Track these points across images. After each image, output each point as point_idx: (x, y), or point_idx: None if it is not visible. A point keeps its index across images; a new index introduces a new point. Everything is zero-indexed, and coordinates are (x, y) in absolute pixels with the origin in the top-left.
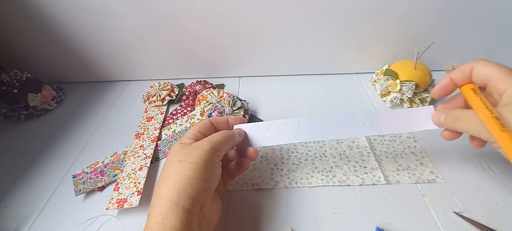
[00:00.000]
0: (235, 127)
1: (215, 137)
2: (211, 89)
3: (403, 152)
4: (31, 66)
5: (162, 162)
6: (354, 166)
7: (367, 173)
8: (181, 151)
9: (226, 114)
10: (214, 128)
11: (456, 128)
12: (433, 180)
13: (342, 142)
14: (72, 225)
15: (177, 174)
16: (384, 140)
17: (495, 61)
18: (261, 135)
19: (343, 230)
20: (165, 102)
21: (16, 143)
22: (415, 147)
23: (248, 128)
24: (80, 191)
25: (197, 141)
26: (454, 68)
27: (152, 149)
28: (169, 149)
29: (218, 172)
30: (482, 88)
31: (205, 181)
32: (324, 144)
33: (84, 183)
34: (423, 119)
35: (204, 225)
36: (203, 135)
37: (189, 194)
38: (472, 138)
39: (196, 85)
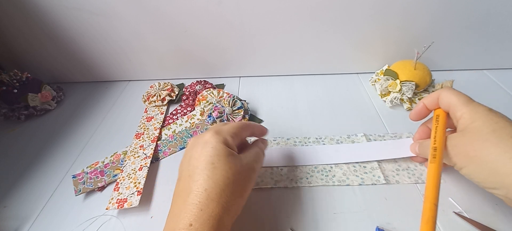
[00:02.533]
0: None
1: (259, 158)
2: (211, 89)
3: None
4: (31, 66)
5: (162, 162)
6: (354, 166)
7: (366, 173)
8: (236, 168)
9: (226, 115)
10: (251, 133)
11: (425, 155)
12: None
13: (342, 142)
14: (72, 225)
15: (233, 197)
16: (384, 140)
17: (458, 91)
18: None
19: (343, 230)
20: (165, 102)
21: (16, 143)
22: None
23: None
24: (80, 191)
25: (236, 149)
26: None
27: (152, 149)
28: (193, 138)
29: None
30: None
31: (243, 205)
32: (324, 144)
33: (84, 183)
34: (406, 148)
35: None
36: (240, 141)
37: (235, 215)
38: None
39: (196, 85)
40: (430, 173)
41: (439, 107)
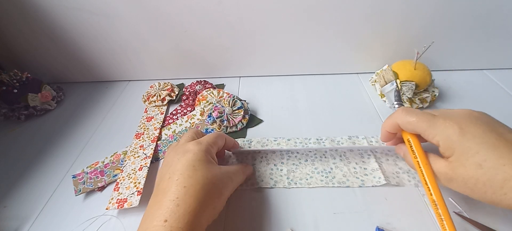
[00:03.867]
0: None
1: (240, 174)
2: (211, 89)
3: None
4: (31, 66)
5: (162, 162)
6: (354, 168)
7: (367, 175)
8: (215, 173)
9: (226, 114)
10: (224, 144)
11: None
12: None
13: (342, 144)
14: (72, 225)
15: (210, 198)
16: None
17: (415, 111)
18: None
19: (343, 230)
20: (165, 102)
21: (16, 143)
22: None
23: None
24: (80, 191)
25: (215, 158)
26: (383, 77)
27: (152, 149)
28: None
29: None
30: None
31: (218, 212)
32: (325, 145)
33: (84, 183)
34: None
35: None
36: (217, 149)
37: (209, 218)
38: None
39: (196, 85)
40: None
41: (403, 131)
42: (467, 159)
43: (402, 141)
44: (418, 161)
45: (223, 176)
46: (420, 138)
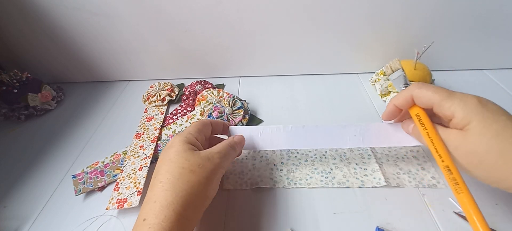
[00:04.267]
0: (231, 130)
1: (223, 150)
2: (211, 89)
3: (405, 155)
4: (31, 66)
5: None
6: (354, 168)
7: (367, 176)
8: (193, 159)
9: (226, 115)
10: (211, 129)
11: (419, 139)
12: (434, 185)
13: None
14: (72, 225)
15: (189, 186)
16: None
17: (431, 85)
18: (254, 140)
19: (343, 230)
20: (165, 102)
21: (16, 143)
22: (417, 151)
23: (242, 132)
24: (80, 191)
25: (200, 146)
26: (390, 67)
27: (152, 149)
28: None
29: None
30: (429, 110)
31: (210, 197)
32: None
33: (84, 183)
34: (397, 135)
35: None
36: (204, 137)
37: (197, 207)
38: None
39: (196, 85)
40: (466, 205)
41: (414, 106)
42: (485, 126)
43: (404, 119)
44: (427, 132)
45: (202, 160)
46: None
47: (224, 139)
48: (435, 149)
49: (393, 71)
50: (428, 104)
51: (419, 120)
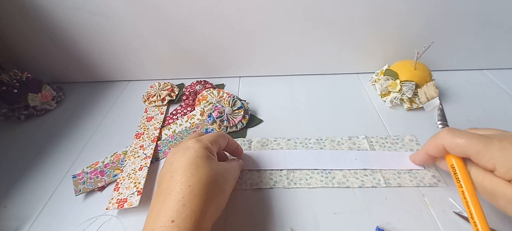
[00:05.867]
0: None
1: (238, 169)
2: (211, 89)
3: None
4: (31, 66)
5: (162, 162)
6: (354, 168)
7: (367, 176)
8: (217, 169)
9: (226, 114)
10: (227, 144)
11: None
12: (435, 184)
13: (342, 144)
14: (72, 225)
15: (215, 195)
16: (386, 142)
17: (464, 132)
18: (260, 161)
19: (343, 230)
20: (165, 102)
21: (16, 143)
22: (417, 150)
23: (251, 155)
24: (80, 191)
25: (215, 156)
26: (425, 94)
27: (152, 149)
28: (178, 144)
29: None
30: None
31: (225, 200)
32: (325, 146)
33: (84, 183)
34: (408, 160)
35: None
36: (218, 148)
37: (215, 217)
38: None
39: (196, 85)
40: None
41: (447, 154)
42: None
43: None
44: (463, 191)
45: (224, 171)
46: (466, 161)
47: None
48: (470, 213)
49: (428, 100)
50: (463, 155)
51: (455, 174)
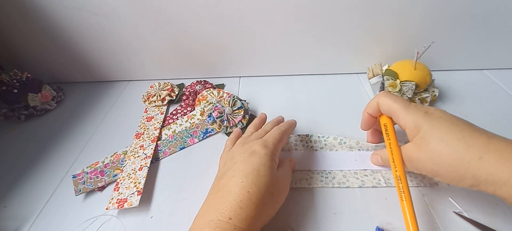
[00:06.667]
0: None
1: (289, 176)
2: (211, 89)
3: None
4: (31, 66)
5: (162, 162)
6: (355, 168)
7: (367, 176)
8: (276, 183)
9: (226, 114)
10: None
11: (388, 165)
12: (435, 184)
13: (344, 143)
14: (72, 225)
15: (269, 208)
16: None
17: (394, 95)
18: None
19: (343, 230)
20: (165, 102)
21: (16, 143)
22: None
23: None
24: (80, 191)
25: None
26: (372, 71)
27: (152, 149)
28: (225, 152)
29: None
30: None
31: (275, 210)
32: (326, 145)
33: (84, 183)
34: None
35: None
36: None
37: (265, 220)
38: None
39: (196, 85)
40: (406, 212)
41: (381, 115)
42: (431, 134)
43: (380, 137)
44: (389, 143)
45: (281, 183)
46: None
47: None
48: (392, 158)
49: (374, 76)
50: (389, 112)
51: (386, 130)
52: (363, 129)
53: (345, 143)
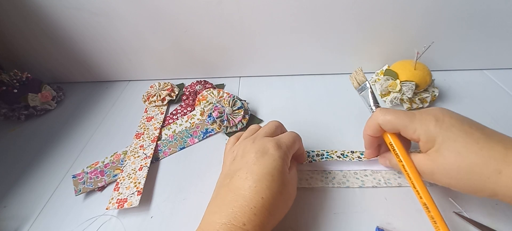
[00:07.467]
0: None
1: (296, 179)
2: (211, 89)
3: None
4: (31, 66)
5: (162, 162)
6: (355, 169)
7: (367, 176)
8: (288, 188)
9: (226, 115)
10: None
11: (398, 168)
12: (435, 184)
13: (346, 156)
14: (72, 225)
15: (280, 214)
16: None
17: (393, 110)
18: None
19: (343, 230)
20: (165, 102)
21: (16, 143)
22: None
23: None
24: (80, 191)
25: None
26: (355, 79)
27: (152, 149)
28: (227, 150)
29: None
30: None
31: (284, 213)
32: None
33: (84, 183)
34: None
35: None
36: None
37: (275, 223)
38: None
39: (196, 85)
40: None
41: (384, 133)
42: (447, 147)
43: (383, 149)
44: (403, 164)
45: (291, 187)
46: (400, 138)
47: None
48: (413, 183)
49: (359, 84)
50: (395, 130)
51: (393, 150)
52: (369, 156)
53: (346, 156)
